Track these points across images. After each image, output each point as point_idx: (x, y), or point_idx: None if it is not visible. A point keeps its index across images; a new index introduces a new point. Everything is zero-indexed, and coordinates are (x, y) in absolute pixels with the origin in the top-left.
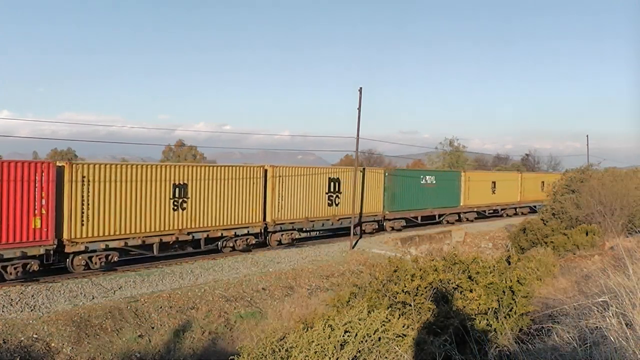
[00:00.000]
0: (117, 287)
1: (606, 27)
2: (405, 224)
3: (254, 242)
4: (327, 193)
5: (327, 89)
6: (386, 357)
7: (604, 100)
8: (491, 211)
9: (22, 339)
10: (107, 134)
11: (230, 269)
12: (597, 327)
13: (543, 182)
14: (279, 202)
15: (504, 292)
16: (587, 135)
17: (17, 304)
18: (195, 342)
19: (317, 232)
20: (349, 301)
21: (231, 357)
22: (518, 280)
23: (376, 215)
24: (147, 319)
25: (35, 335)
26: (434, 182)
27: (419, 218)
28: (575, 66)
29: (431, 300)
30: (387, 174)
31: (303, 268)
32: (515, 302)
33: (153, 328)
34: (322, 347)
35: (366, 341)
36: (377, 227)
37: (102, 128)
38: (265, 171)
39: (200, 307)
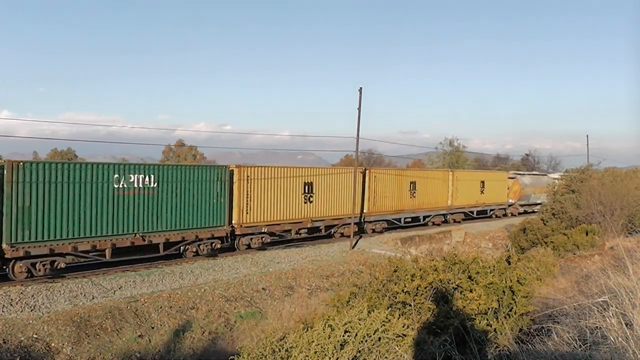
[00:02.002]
0: (117, 287)
1: (606, 27)
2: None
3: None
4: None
5: (328, 89)
6: (386, 357)
7: (604, 100)
8: (409, 220)
9: (22, 339)
10: (107, 134)
11: (230, 269)
12: (597, 327)
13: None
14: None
15: (504, 292)
16: (587, 135)
17: (17, 304)
18: (195, 342)
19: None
20: (349, 301)
21: (231, 357)
22: (518, 280)
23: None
24: (147, 319)
25: (35, 335)
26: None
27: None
28: (575, 66)
29: (431, 300)
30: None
31: (303, 268)
32: (515, 302)
33: (153, 328)
34: (322, 347)
35: (366, 341)
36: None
37: (102, 128)
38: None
39: (200, 307)
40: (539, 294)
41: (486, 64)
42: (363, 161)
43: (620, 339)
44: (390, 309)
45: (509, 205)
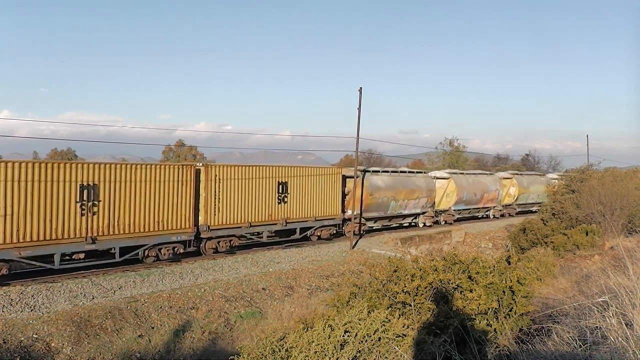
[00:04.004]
0: (117, 287)
1: (606, 27)
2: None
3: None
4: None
5: (328, 89)
6: (386, 357)
7: (604, 101)
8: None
9: (22, 339)
10: (107, 134)
11: (230, 269)
12: (597, 327)
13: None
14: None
15: (504, 292)
16: (587, 135)
17: (17, 304)
18: (195, 342)
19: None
20: (349, 301)
21: (231, 357)
22: (518, 281)
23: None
24: (147, 319)
25: (35, 335)
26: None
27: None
28: (575, 66)
29: (431, 300)
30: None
31: (303, 268)
32: (515, 302)
33: (153, 328)
34: (322, 347)
35: (366, 341)
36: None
37: (102, 128)
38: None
39: (200, 307)
40: (539, 294)
41: (486, 64)
42: (363, 161)
43: (620, 339)
44: (390, 309)
45: (347, 220)
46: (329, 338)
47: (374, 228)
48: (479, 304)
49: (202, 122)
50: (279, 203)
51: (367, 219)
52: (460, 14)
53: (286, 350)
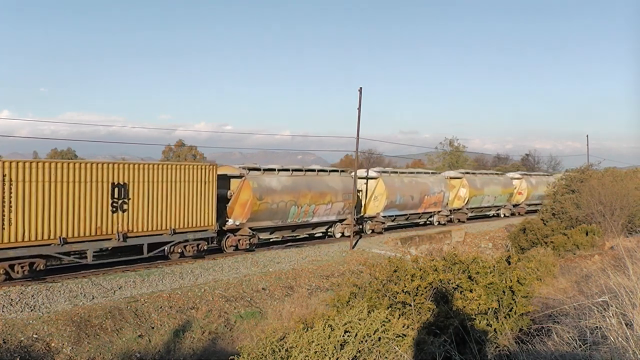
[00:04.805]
0: (117, 287)
1: (606, 27)
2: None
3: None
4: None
5: (328, 89)
6: (386, 357)
7: (604, 101)
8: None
9: (22, 339)
10: (107, 134)
11: (230, 269)
12: (597, 327)
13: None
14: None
15: (504, 292)
16: (587, 135)
17: (17, 304)
18: (195, 342)
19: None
20: (349, 301)
21: (231, 357)
22: (518, 281)
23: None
24: (147, 319)
25: (35, 335)
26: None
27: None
28: (575, 66)
29: (431, 300)
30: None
31: (303, 268)
32: (515, 302)
33: (153, 328)
34: (322, 347)
35: (366, 341)
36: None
37: (102, 128)
38: None
39: (200, 307)
40: (539, 294)
41: (487, 64)
42: (363, 161)
43: (620, 339)
44: (390, 309)
45: (229, 232)
46: (329, 338)
47: (271, 240)
48: (479, 304)
49: (202, 122)
50: (114, 212)
51: (257, 230)
52: (461, 14)
53: (286, 350)
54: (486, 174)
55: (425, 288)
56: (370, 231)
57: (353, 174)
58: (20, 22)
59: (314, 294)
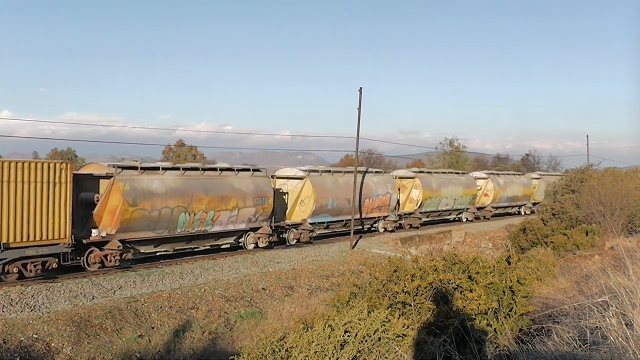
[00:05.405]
0: (117, 287)
1: (606, 28)
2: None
3: None
4: None
5: (328, 89)
6: (386, 357)
7: (604, 101)
8: None
9: (22, 339)
10: (107, 134)
11: (230, 269)
12: (597, 327)
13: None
14: None
15: (504, 292)
16: (587, 135)
17: (17, 304)
18: (195, 342)
19: None
20: (349, 301)
21: (231, 357)
22: (518, 281)
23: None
24: (147, 319)
25: (35, 335)
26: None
27: None
28: (575, 66)
29: (431, 300)
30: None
31: (303, 268)
32: (515, 302)
33: (153, 328)
34: (322, 347)
35: (366, 341)
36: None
37: (102, 128)
38: None
39: (200, 307)
40: (539, 294)
41: (487, 64)
42: (363, 161)
43: (620, 339)
44: (390, 309)
45: (91, 245)
46: (329, 338)
47: (157, 254)
48: (479, 304)
49: (203, 122)
50: None
51: (134, 242)
52: (461, 14)
53: (286, 350)
54: (444, 172)
55: (425, 288)
56: (295, 241)
57: (270, 174)
58: (20, 22)
59: (314, 294)
